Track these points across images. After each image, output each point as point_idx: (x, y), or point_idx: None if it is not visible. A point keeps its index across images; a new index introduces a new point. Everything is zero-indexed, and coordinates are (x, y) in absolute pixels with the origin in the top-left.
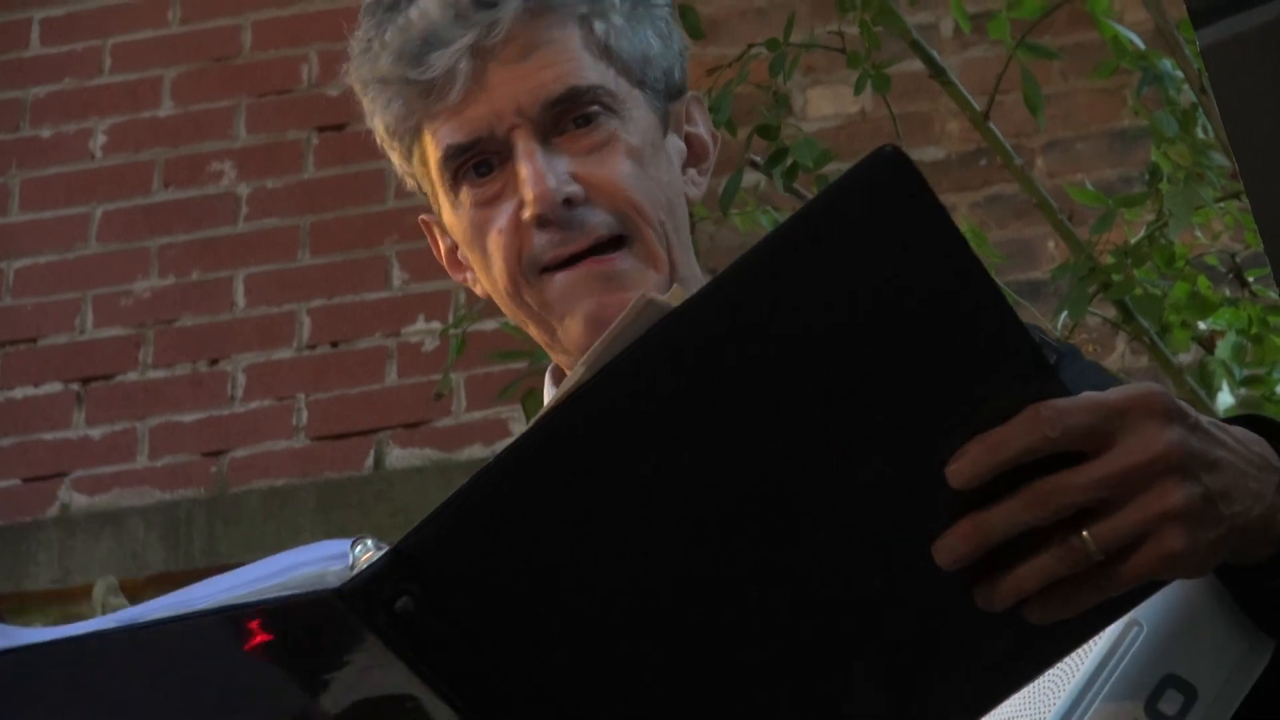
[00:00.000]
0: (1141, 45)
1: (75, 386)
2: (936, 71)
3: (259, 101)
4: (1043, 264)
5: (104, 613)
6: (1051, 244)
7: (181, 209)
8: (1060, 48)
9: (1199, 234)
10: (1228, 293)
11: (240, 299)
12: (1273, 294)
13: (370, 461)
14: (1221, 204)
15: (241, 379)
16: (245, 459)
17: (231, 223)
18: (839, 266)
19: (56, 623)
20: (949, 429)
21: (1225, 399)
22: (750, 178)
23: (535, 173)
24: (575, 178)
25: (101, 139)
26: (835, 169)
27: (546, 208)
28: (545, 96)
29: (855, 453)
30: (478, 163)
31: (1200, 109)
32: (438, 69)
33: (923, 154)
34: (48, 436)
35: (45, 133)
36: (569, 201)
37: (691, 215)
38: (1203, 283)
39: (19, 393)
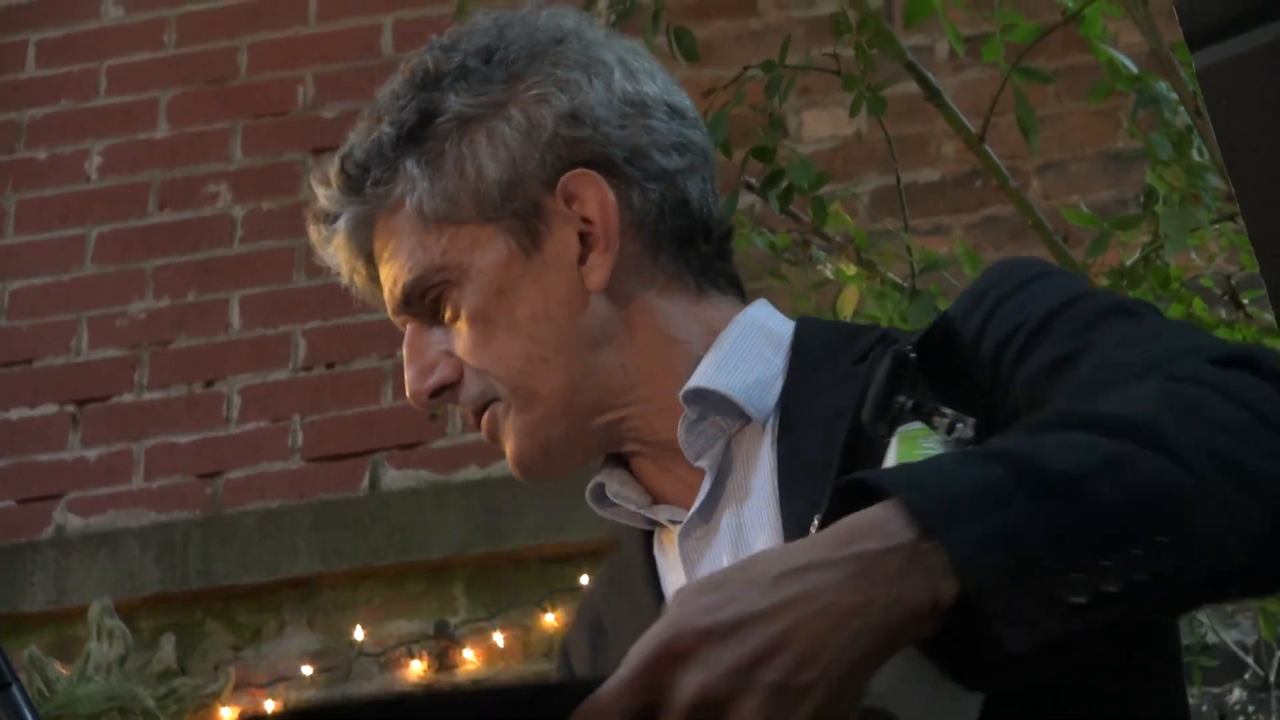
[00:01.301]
0: (1135, 69)
1: (71, 408)
2: (932, 94)
3: (255, 123)
4: None
5: (99, 635)
6: None
7: (177, 231)
8: (1055, 70)
9: (1194, 256)
10: (1223, 315)
11: (236, 320)
12: (1268, 316)
13: (366, 483)
14: (1217, 226)
15: (237, 400)
16: (241, 480)
17: (227, 244)
18: None
19: (52, 645)
20: None
21: None
22: (746, 199)
23: (407, 374)
24: (447, 354)
25: (97, 161)
26: (830, 191)
27: (421, 404)
28: (395, 301)
29: None
30: None
31: (1195, 131)
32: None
33: (918, 175)
34: (43, 458)
35: (41, 154)
36: (438, 390)
37: None
38: (1198, 305)
39: (14, 414)
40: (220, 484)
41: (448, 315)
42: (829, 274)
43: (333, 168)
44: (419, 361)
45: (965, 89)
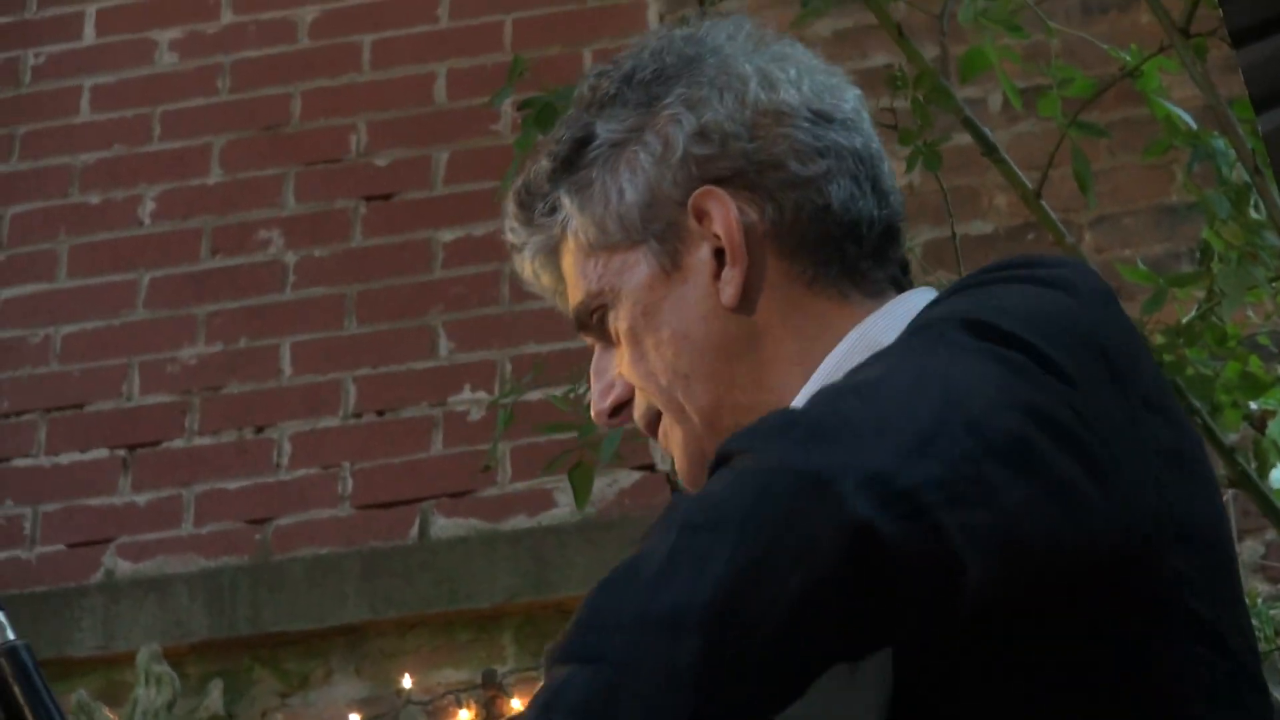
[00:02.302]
0: (1194, 124)
1: (121, 453)
2: (989, 150)
3: (307, 170)
4: None
5: (147, 680)
6: None
7: (229, 276)
8: (1108, 123)
9: (1251, 314)
10: (1279, 371)
11: (287, 367)
12: None
13: (415, 531)
14: (1274, 284)
15: (287, 447)
16: (290, 527)
17: (279, 290)
18: None
19: (100, 690)
20: None
21: (1277, 478)
22: None
23: (591, 394)
24: (619, 377)
25: (150, 206)
26: None
27: (602, 423)
28: (574, 324)
29: None
30: None
31: (1253, 188)
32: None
33: (970, 228)
34: (94, 502)
35: (94, 199)
36: (616, 409)
37: None
38: (1254, 362)
39: (65, 458)
40: (269, 530)
41: (613, 336)
42: None
43: (511, 200)
44: (599, 382)
45: (1019, 142)
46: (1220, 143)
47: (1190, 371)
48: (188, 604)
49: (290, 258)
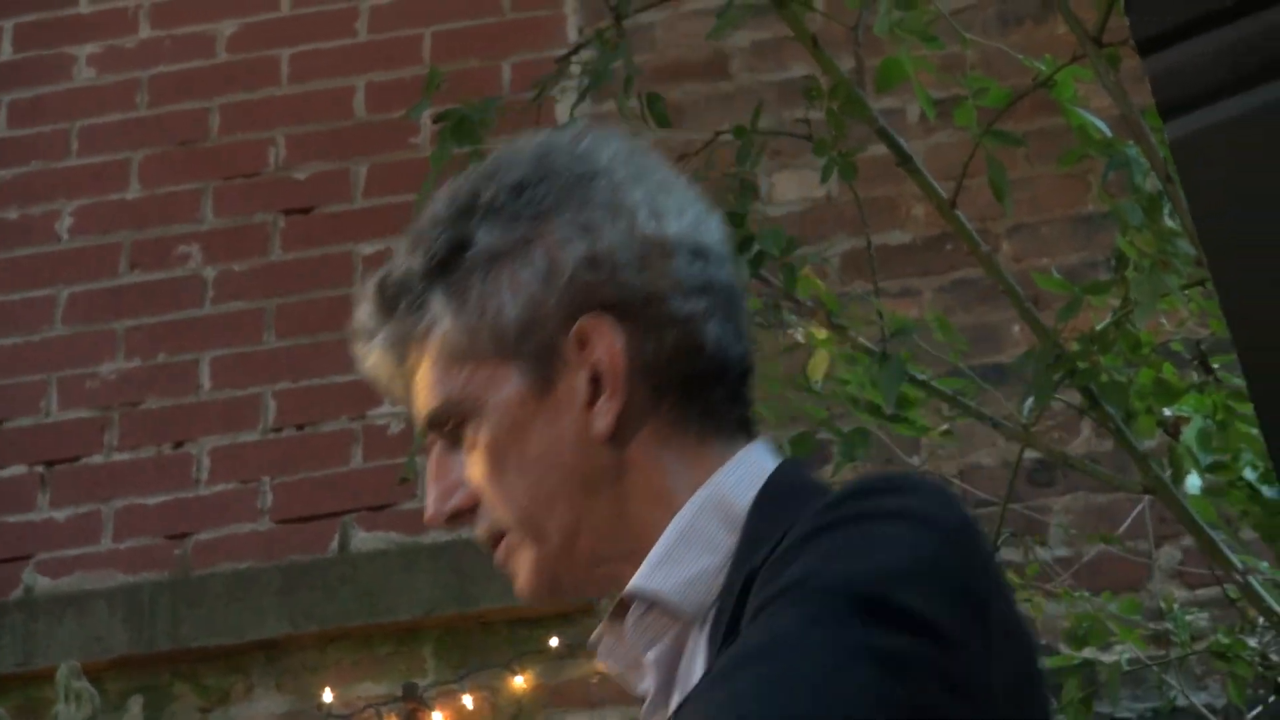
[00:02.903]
0: (1108, 132)
1: (40, 469)
2: (903, 159)
3: (226, 184)
4: (1008, 348)
5: (67, 697)
6: (1017, 328)
7: (148, 291)
8: (1024, 133)
9: (1164, 321)
10: (1194, 379)
11: (206, 381)
12: (1238, 380)
13: (335, 545)
14: (1187, 291)
15: (206, 462)
16: (210, 542)
17: (197, 305)
18: None
19: (19, 707)
20: None
21: (1191, 484)
22: None
23: (428, 494)
24: (466, 481)
25: (68, 221)
26: (801, 254)
27: (437, 525)
28: (421, 423)
29: None
30: None
31: (1165, 196)
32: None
33: (888, 238)
34: (12, 519)
35: (12, 215)
36: (455, 515)
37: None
38: (1168, 369)
39: None
40: (189, 545)
41: (467, 444)
42: (800, 338)
43: (371, 288)
44: (440, 484)
45: (936, 152)
46: (1133, 151)
47: (1105, 379)
48: (107, 620)
49: (209, 272)
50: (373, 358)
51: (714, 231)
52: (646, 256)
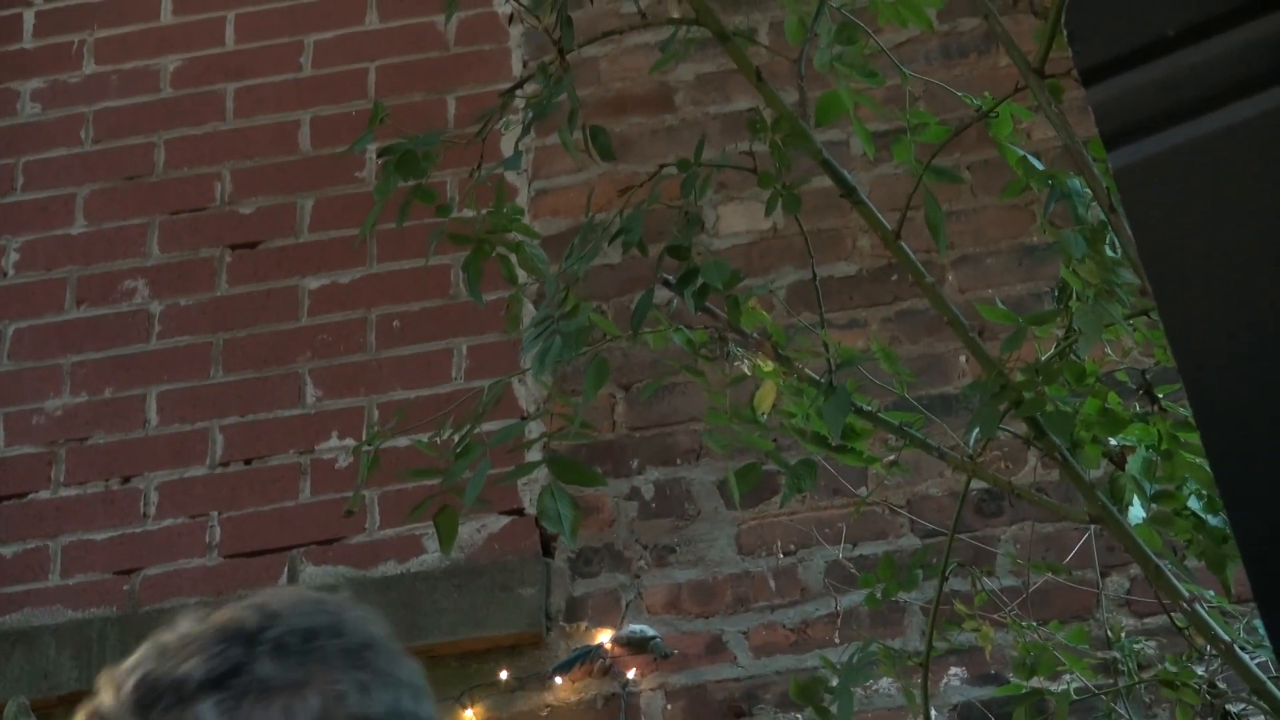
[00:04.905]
0: (1042, 167)
1: None
2: (847, 191)
3: (172, 219)
4: (954, 379)
5: None
6: (963, 359)
7: (94, 327)
8: (969, 164)
9: (1109, 350)
10: (1138, 408)
11: (153, 416)
12: (1182, 410)
13: (284, 579)
14: (1131, 321)
15: (154, 497)
16: (158, 577)
17: (144, 340)
18: None
19: None
20: None
21: (1136, 514)
22: (663, 295)
23: None
24: None
25: (13, 256)
26: (746, 286)
27: None
28: None
29: None
30: None
31: (1109, 226)
32: None
33: (834, 269)
34: None
35: None
36: None
37: (604, 335)
38: (1113, 399)
39: None
40: (137, 581)
41: None
42: (746, 370)
43: (126, 682)
44: None
45: (881, 183)
46: (1076, 182)
47: (1050, 408)
48: (55, 656)
49: (155, 307)
50: None
51: None
52: None
